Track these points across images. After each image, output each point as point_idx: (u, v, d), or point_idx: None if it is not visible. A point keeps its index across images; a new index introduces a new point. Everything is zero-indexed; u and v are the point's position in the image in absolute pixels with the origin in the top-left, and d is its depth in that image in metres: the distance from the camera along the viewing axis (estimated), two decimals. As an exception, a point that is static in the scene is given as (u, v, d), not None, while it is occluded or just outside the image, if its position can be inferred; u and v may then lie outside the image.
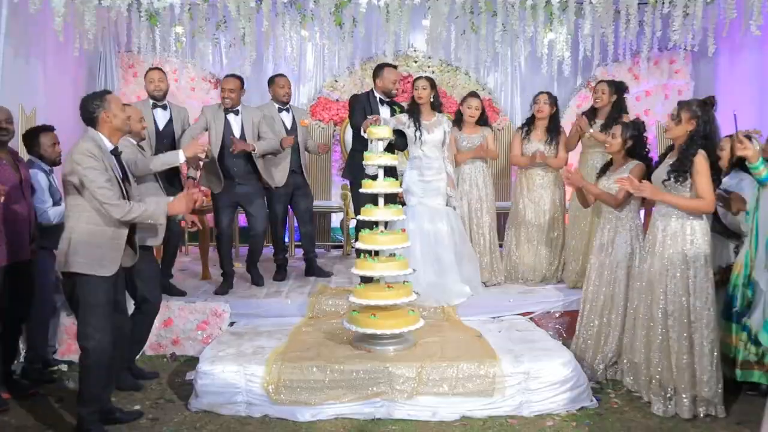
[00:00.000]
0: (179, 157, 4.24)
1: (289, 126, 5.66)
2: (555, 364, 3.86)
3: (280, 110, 5.68)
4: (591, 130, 5.25)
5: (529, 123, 5.57)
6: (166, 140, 5.15)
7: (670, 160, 3.83)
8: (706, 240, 3.75)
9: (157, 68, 5.40)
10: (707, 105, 3.77)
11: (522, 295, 5.19)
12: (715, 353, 3.67)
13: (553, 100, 5.49)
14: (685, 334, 3.68)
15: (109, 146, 3.48)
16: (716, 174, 3.90)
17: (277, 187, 5.57)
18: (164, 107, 5.23)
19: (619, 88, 5.38)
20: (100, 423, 3.45)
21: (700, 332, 3.66)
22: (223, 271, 5.39)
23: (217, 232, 5.49)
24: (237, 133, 5.23)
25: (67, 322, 4.58)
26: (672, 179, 3.73)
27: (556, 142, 5.46)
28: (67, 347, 4.60)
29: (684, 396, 3.68)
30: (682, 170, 3.70)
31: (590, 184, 4.44)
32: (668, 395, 3.75)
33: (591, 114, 5.44)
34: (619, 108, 5.32)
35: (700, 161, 3.65)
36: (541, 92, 5.56)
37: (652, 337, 3.81)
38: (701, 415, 3.68)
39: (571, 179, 4.45)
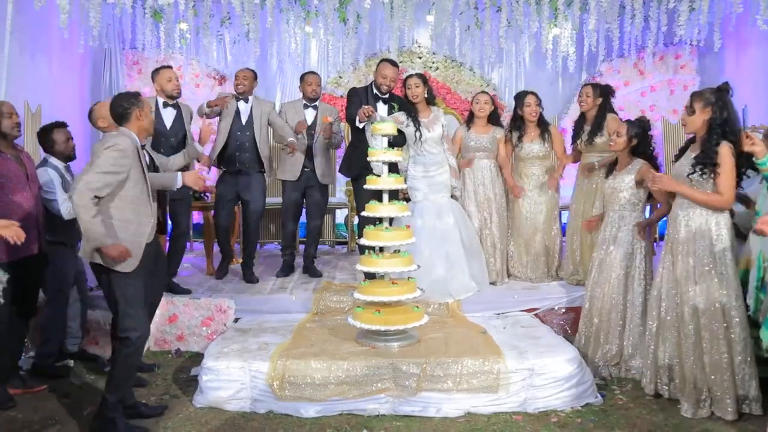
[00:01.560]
0: (177, 182, 3.94)
1: (311, 122, 5.66)
2: (559, 360, 3.85)
3: (306, 107, 5.69)
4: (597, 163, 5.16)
5: (519, 127, 5.42)
6: (174, 139, 5.09)
7: (692, 153, 3.66)
8: (731, 235, 3.61)
9: (170, 66, 5.28)
10: (721, 91, 3.58)
11: (527, 291, 5.18)
12: (749, 351, 3.54)
13: (539, 100, 5.41)
14: (721, 334, 3.53)
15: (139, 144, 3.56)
16: (747, 164, 3.58)
17: (290, 181, 5.60)
18: (174, 106, 5.15)
19: (603, 91, 5.27)
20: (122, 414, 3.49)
21: (734, 330, 3.52)
22: (223, 255, 5.52)
23: (215, 225, 5.56)
24: (244, 120, 5.40)
25: (93, 316, 4.68)
26: (697, 173, 3.56)
27: (549, 136, 5.41)
28: (87, 341, 4.68)
29: (727, 398, 3.53)
30: (708, 163, 3.52)
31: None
32: (702, 397, 3.61)
33: (581, 119, 5.38)
34: (605, 111, 5.21)
35: (725, 153, 3.48)
36: (528, 92, 5.42)
37: (683, 338, 3.65)
38: (739, 414, 3.55)
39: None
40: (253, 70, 5.56)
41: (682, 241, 3.65)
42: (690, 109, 3.62)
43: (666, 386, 3.82)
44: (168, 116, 5.09)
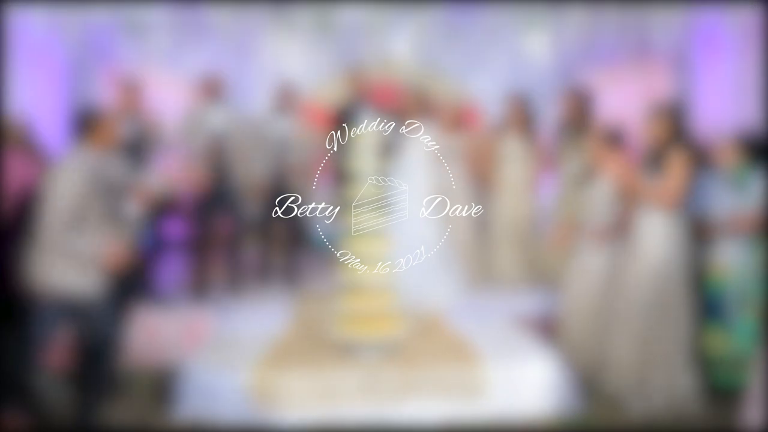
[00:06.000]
0: None
1: None
2: (541, 366, 3.89)
3: None
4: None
5: (504, 125, 5.58)
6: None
7: (650, 158, 3.87)
8: (686, 238, 3.77)
9: (134, 86, 5.14)
10: (676, 104, 3.93)
11: (508, 297, 5.21)
12: (691, 353, 3.70)
13: (518, 101, 5.50)
14: (664, 333, 3.71)
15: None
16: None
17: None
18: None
19: (585, 96, 5.38)
20: None
21: (676, 331, 3.69)
22: (200, 273, 5.37)
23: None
24: None
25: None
26: (649, 169, 3.78)
27: (532, 136, 5.49)
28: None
29: (662, 395, 3.70)
30: (657, 159, 3.75)
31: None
32: (647, 393, 3.75)
33: (562, 121, 5.47)
34: (585, 115, 5.31)
35: (677, 156, 3.68)
36: (508, 95, 5.61)
37: (633, 337, 3.82)
38: (677, 414, 3.68)
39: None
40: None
41: (642, 243, 3.79)
42: (653, 120, 3.81)
43: (618, 385, 3.91)
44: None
